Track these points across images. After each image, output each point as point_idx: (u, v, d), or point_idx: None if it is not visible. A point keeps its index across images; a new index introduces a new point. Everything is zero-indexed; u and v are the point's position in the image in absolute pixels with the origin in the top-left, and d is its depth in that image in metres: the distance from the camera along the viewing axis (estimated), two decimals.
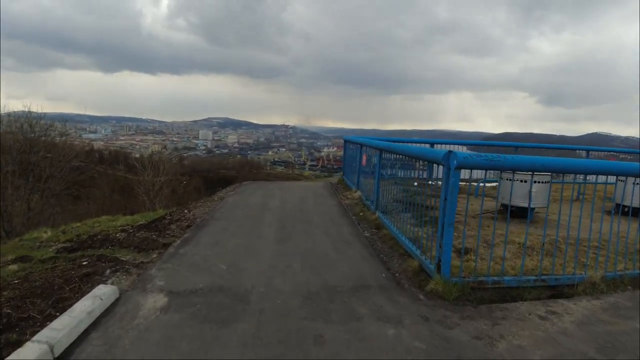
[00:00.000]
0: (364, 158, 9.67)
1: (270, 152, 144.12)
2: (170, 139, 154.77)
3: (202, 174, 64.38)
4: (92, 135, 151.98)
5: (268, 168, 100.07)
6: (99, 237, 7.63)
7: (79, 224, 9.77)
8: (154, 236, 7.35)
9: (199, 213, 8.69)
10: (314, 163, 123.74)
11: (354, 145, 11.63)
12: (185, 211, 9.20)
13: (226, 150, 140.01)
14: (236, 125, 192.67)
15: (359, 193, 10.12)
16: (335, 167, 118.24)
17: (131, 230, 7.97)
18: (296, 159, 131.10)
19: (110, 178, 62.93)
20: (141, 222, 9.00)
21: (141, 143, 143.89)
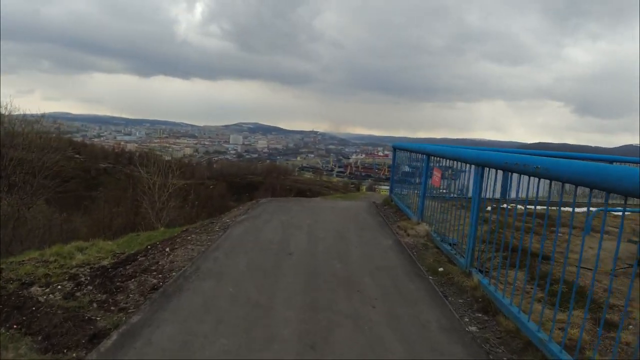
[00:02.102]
0: (436, 175, 6.28)
1: (298, 158, 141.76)
2: (202, 143, 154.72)
3: (229, 178, 61.92)
4: (126, 137, 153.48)
5: (296, 174, 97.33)
6: (13, 299, 4.51)
7: (19, 258, 6.71)
8: (94, 306, 4.26)
9: (182, 257, 5.48)
10: (342, 170, 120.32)
11: (411, 154, 8.25)
12: (167, 250, 6.02)
13: (256, 155, 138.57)
14: (266, 130, 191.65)
15: (424, 226, 6.71)
16: (363, 174, 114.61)
17: (70, 287, 4.83)
18: (324, 165, 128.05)
19: (135, 180, 61.57)
20: (104, 263, 5.92)
21: (174, 146, 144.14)
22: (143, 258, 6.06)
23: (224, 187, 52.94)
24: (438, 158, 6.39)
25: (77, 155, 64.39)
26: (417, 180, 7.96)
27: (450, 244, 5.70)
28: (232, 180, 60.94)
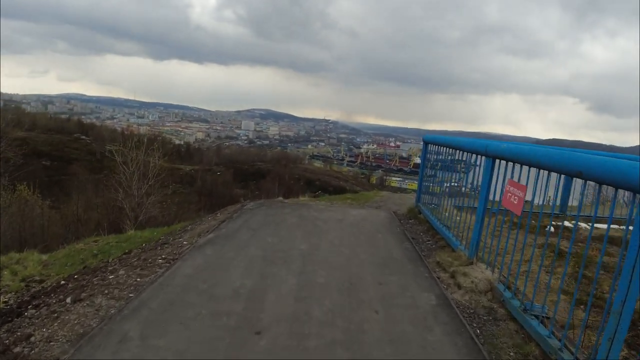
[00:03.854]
0: (515, 194, 3.73)
1: (309, 146, 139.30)
2: (213, 128, 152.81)
3: (237, 165, 59.67)
4: (139, 120, 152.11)
5: (306, 162, 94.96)
6: None
7: None
8: None
9: (68, 330, 3.08)
10: (353, 159, 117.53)
11: (457, 153, 5.70)
12: (67, 300, 3.64)
13: (267, 142, 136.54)
14: (278, 117, 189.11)
15: (483, 271, 4.21)
16: (374, 164, 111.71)
17: None
18: (335, 154, 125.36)
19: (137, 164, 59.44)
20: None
21: (186, 130, 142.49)
22: (33, 310, 3.72)
23: (230, 174, 50.73)
24: (513, 163, 3.86)
25: (84, 137, 62.56)
26: (466, 189, 5.47)
27: (538, 316, 3.22)
28: (240, 167, 58.66)
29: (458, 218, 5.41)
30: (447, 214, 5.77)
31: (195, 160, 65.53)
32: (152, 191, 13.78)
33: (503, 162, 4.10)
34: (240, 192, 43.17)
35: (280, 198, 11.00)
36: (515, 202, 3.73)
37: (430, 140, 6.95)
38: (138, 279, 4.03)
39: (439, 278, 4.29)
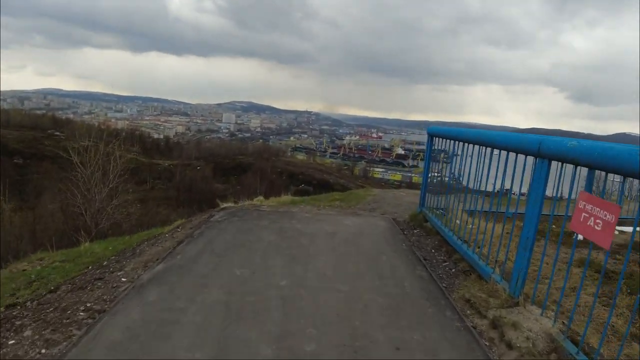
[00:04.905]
0: (599, 212, 2.50)
1: (292, 138, 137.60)
2: (194, 121, 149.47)
3: (218, 159, 57.74)
4: (117, 115, 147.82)
5: (289, 155, 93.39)
6: None
7: None
8: None
9: None
10: (335, 151, 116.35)
11: (480, 149, 4.41)
12: None
13: (249, 135, 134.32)
14: (259, 109, 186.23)
15: (541, 320, 2.98)
16: (356, 155, 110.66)
17: None
18: (318, 146, 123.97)
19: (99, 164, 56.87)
20: None
21: (165, 124, 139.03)
22: None
23: (210, 169, 48.88)
24: (590, 169, 2.61)
25: (58, 133, 59.67)
26: (500, 197, 4.23)
27: None
28: (221, 161, 56.75)
29: (475, 229, 4.17)
30: (462, 223, 4.53)
31: (175, 154, 63.33)
32: (115, 194, 12.15)
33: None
34: (221, 187, 41.52)
35: (260, 198, 9.65)
36: (598, 229, 2.47)
37: (437, 133, 5.66)
38: (43, 351, 2.68)
39: (474, 328, 3.04)
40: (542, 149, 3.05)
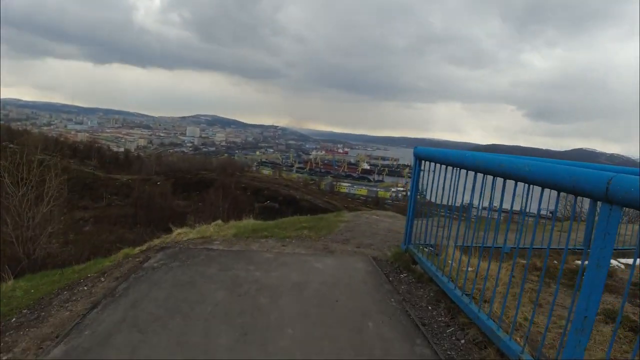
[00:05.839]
0: None
1: (258, 152, 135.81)
2: (157, 134, 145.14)
3: (179, 174, 55.32)
4: (77, 127, 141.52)
5: (255, 169, 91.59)
6: None
7: None
8: None
9: None
10: (302, 166, 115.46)
11: (506, 180, 3.38)
12: None
13: (213, 148, 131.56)
14: (225, 123, 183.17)
15: None
16: (322, 170, 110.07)
17: None
18: (284, 161, 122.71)
19: (74, 174, 53.47)
20: None
21: (127, 136, 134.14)
22: None
23: (170, 184, 46.56)
24: None
25: (12, 145, 55.60)
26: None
27: None
28: (183, 176, 54.37)
29: (479, 272, 3.13)
30: (459, 265, 3.49)
31: (134, 169, 60.39)
32: (51, 219, 10.36)
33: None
34: (182, 203, 39.47)
35: (218, 223, 8.39)
36: None
37: (428, 157, 4.62)
38: None
39: None
40: (613, 190, 2.02)
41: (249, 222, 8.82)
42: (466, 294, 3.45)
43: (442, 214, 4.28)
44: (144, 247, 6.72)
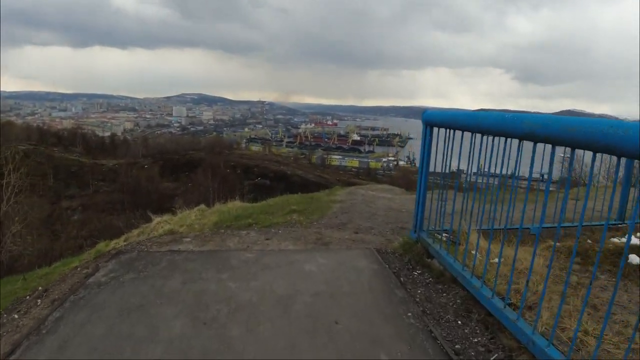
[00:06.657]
0: None
1: (246, 129, 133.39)
2: (142, 116, 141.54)
3: (167, 156, 53.80)
4: (62, 114, 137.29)
5: (244, 146, 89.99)
6: None
7: None
8: None
9: None
10: (292, 140, 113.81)
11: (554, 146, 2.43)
12: None
13: (201, 127, 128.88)
14: (211, 101, 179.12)
15: None
16: (313, 143, 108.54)
17: None
18: (273, 136, 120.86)
19: (59, 162, 51.74)
20: None
21: (113, 120, 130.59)
22: None
23: (158, 167, 45.18)
24: None
25: None
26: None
27: None
28: (171, 157, 52.88)
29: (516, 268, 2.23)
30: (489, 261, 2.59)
31: (120, 153, 58.61)
32: (13, 217, 9.24)
33: None
34: (170, 186, 38.30)
35: (201, 208, 7.45)
36: None
37: (441, 122, 3.62)
38: None
39: None
40: None
41: (234, 204, 7.85)
42: (508, 304, 2.54)
43: (466, 189, 3.36)
44: (122, 239, 5.81)
